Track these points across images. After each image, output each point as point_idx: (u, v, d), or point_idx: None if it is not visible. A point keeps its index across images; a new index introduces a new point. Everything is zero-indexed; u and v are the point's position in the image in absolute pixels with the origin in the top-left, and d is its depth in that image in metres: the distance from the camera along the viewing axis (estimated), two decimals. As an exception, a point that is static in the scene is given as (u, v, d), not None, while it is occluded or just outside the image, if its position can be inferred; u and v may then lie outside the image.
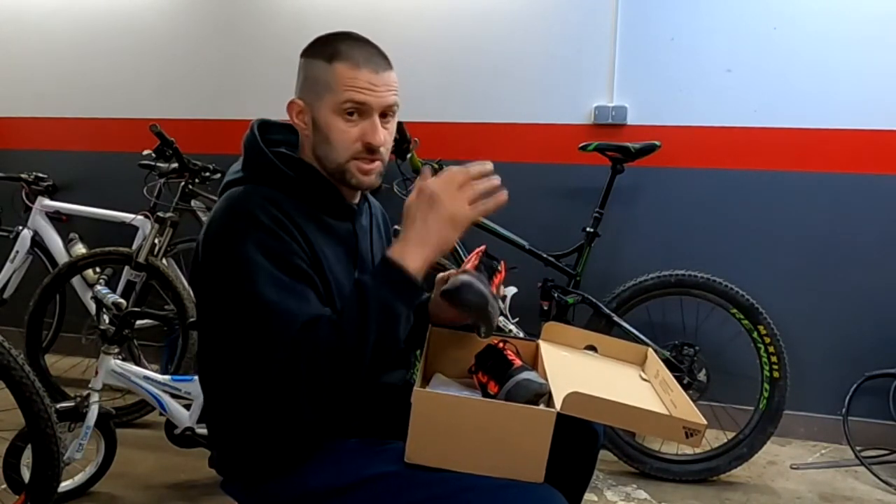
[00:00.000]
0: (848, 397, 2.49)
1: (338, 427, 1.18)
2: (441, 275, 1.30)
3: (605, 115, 2.78)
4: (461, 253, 2.60)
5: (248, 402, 1.15)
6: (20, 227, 3.04)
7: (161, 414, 2.13)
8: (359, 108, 1.15)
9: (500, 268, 1.29)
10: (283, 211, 1.10)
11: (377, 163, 1.19)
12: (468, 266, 1.20)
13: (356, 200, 1.28)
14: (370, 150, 1.17)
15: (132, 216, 2.92)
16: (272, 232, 1.08)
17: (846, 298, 2.66)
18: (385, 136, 1.18)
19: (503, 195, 1.09)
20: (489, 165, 1.10)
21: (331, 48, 1.16)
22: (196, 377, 2.11)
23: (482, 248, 1.29)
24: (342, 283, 1.19)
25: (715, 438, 2.54)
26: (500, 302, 2.60)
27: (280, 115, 1.25)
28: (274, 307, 1.03)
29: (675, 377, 1.30)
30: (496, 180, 1.10)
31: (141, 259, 2.59)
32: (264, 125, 1.25)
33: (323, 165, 1.20)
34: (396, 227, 2.18)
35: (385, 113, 1.18)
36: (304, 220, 1.14)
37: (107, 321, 2.35)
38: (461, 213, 1.06)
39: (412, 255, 1.05)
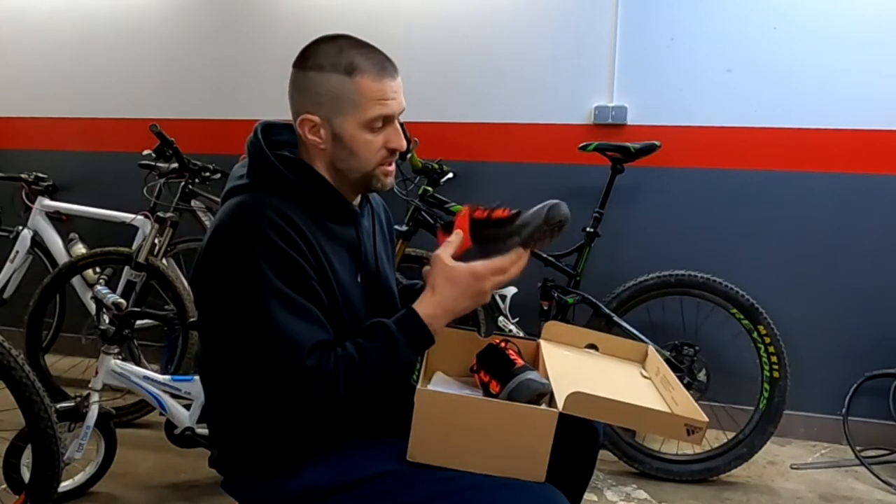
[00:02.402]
0: (848, 397, 2.49)
1: (339, 426, 1.18)
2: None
3: (605, 115, 2.78)
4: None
5: (249, 404, 1.15)
6: (20, 227, 3.03)
7: (161, 414, 2.13)
8: (385, 119, 1.17)
9: None
10: (291, 224, 1.11)
11: (394, 164, 1.23)
12: None
13: (357, 202, 1.28)
14: (392, 154, 1.20)
15: (132, 216, 2.91)
16: (282, 250, 1.08)
17: (846, 298, 2.66)
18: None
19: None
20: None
21: (344, 60, 1.13)
22: (196, 377, 2.11)
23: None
24: (347, 288, 1.19)
25: (715, 438, 2.54)
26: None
27: (280, 115, 1.25)
28: (284, 330, 1.06)
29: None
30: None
31: (141, 259, 2.59)
32: (267, 128, 1.24)
33: (342, 175, 1.20)
34: (396, 226, 2.16)
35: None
36: (311, 230, 1.14)
37: (107, 321, 2.34)
38: (486, 300, 1.18)
39: (440, 319, 1.14)
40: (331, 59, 1.14)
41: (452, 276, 1.13)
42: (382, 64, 1.16)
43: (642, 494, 2.28)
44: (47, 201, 3.05)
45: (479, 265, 1.13)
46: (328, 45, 1.16)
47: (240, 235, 1.09)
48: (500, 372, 1.21)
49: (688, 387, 2.38)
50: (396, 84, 1.17)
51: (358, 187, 1.23)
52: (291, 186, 1.16)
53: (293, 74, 1.18)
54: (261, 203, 1.12)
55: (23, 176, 3.05)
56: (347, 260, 1.22)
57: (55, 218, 3.08)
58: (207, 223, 2.92)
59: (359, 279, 1.24)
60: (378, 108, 1.15)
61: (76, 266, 2.70)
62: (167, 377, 2.13)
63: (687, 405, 1.15)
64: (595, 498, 2.23)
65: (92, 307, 2.88)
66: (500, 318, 2.60)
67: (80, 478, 2.11)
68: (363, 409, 1.13)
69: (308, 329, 1.08)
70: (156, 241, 2.67)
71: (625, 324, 2.44)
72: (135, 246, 2.84)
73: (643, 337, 2.41)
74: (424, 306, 1.13)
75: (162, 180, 2.88)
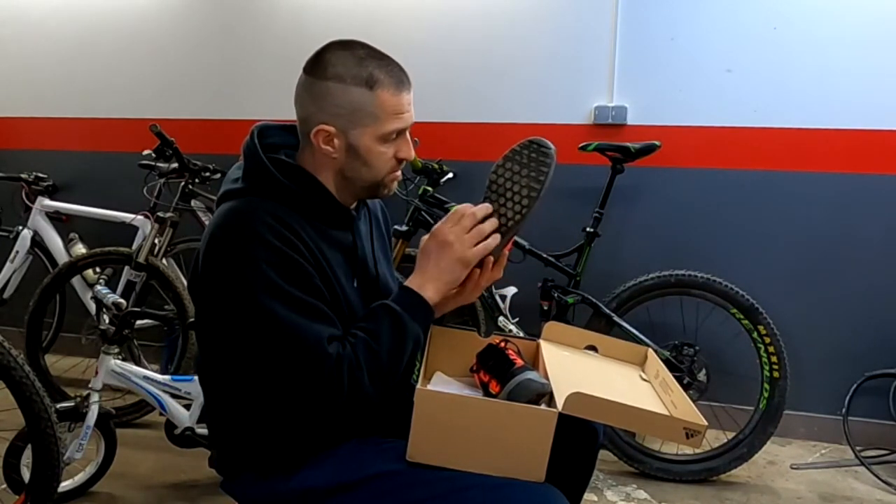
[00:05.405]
0: (848, 397, 2.49)
1: (339, 426, 1.18)
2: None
3: (605, 115, 2.78)
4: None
5: (250, 404, 1.16)
6: (20, 227, 3.03)
7: (161, 414, 2.13)
8: (400, 131, 1.18)
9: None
10: (288, 227, 1.11)
11: (400, 170, 1.24)
12: None
13: (353, 206, 1.28)
14: (401, 163, 1.22)
15: (132, 216, 2.91)
16: (281, 251, 1.08)
17: (846, 298, 2.66)
18: None
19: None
20: (490, 208, 1.19)
21: (365, 72, 1.13)
22: (196, 377, 2.11)
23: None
24: (346, 291, 1.20)
25: (715, 438, 2.54)
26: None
27: (279, 115, 1.25)
28: (297, 328, 1.06)
29: (675, 377, 1.29)
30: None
31: (141, 259, 2.59)
32: (264, 130, 1.24)
33: (350, 183, 1.21)
34: (396, 226, 2.15)
35: None
36: (308, 233, 1.14)
37: (107, 321, 2.34)
38: (468, 254, 1.16)
39: (430, 289, 1.16)
40: (351, 70, 1.13)
41: (423, 248, 1.19)
42: (400, 77, 1.16)
43: (642, 494, 2.28)
44: (47, 201, 3.06)
45: (440, 226, 1.17)
46: (345, 53, 1.15)
47: (237, 241, 1.09)
48: (500, 372, 1.21)
49: (688, 387, 2.38)
50: (411, 96, 1.18)
51: (363, 194, 1.24)
52: (286, 191, 1.15)
53: (306, 81, 1.17)
54: (256, 207, 1.12)
55: (23, 176, 3.05)
56: (343, 264, 1.22)
57: (55, 218, 3.08)
58: (207, 223, 2.92)
59: (355, 283, 1.24)
60: (396, 121, 1.16)
61: (76, 266, 2.70)
62: (167, 377, 2.13)
63: (686, 408, 1.14)
64: (595, 498, 2.23)
65: (92, 307, 2.88)
66: (500, 318, 2.60)
67: (80, 478, 2.11)
68: (367, 407, 1.13)
69: (320, 325, 1.08)
70: (156, 241, 2.67)
71: (625, 324, 2.44)
72: (135, 246, 2.84)
73: (643, 337, 2.41)
74: (410, 281, 1.18)
75: (162, 180, 2.89)
